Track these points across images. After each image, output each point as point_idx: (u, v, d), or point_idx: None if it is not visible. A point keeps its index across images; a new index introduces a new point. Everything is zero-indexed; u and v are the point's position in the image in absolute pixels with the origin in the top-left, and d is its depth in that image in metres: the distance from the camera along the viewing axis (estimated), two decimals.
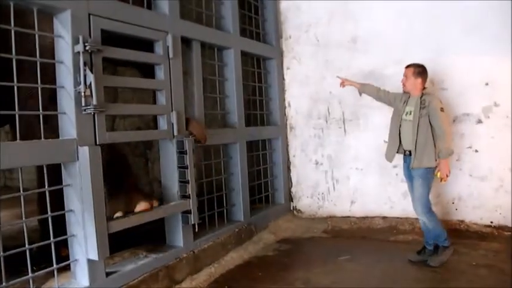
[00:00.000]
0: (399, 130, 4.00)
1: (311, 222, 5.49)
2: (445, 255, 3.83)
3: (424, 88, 3.94)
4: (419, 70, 3.92)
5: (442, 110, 3.81)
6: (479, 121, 4.77)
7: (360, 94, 4.53)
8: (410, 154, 3.89)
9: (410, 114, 3.89)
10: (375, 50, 5.21)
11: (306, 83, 5.78)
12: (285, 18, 5.91)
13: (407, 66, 4.00)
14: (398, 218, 5.12)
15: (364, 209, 5.33)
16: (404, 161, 4.05)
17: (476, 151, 4.80)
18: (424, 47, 4.90)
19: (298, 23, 5.81)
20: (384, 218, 5.11)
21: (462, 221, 4.85)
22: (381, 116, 5.06)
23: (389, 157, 4.12)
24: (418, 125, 3.82)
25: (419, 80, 3.90)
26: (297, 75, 5.88)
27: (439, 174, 3.84)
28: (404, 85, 4.00)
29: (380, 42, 5.19)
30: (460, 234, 4.66)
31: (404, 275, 3.68)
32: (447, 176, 3.84)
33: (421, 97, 3.88)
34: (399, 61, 5.01)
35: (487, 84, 4.69)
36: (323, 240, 4.87)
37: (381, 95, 4.28)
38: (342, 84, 4.64)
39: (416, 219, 4.98)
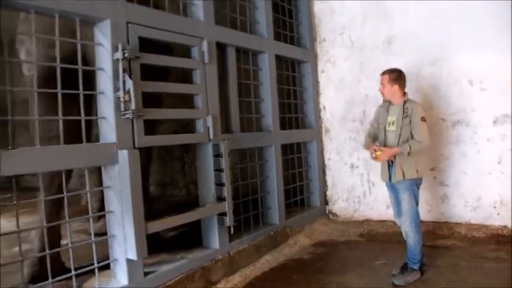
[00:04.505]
0: (385, 144, 3.72)
1: (347, 226, 5.45)
2: (411, 277, 3.57)
3: (404, 94, 3.68)
4: (395, 76, 3.66)
5: (423, 119, 3.57)
6: None
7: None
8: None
9: (393, 124, 3.65)
10: (410, 50, 5.11)
11: (341, 85, 5.76)
12: (319, 21, 5.90)
13: (383, 74, 3.73)
14: (436, 222, 5.01)
15: None
16: (388, 171, 3.77)
17: None
18: (461, 46, 4.79)
19: (333, 26, 5.79)
20: (421, 222, 4.97)
21: (505, 227, 4.67)
22: None
23: (384, 177, 3.79)
24: (400, 135, 3.60)
25: (396, 87, 3.64)
26: (331, 78, 5.85)
27: (379, 152, 3.59)
28: (382, 94, 3.75)
29: (415, 42, 5.08)
30: (502, 240, 4.48)
31: (438, 280, 3.59)
32: (377, 159, 3.62)
33: (403, 105, 3.63)
34: (435, 61, 4.97)
35: None
36: (359, 243, 4.81)
37: (375, 129, 3.89)
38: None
39: (456, 223, 4.91)
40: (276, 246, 4.61)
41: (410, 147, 3.50)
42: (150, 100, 3.39)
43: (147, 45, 3.39)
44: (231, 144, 4.01)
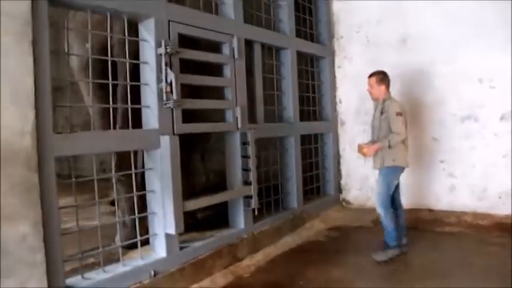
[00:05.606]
0: (373, 137, 4.29)
1: (360, 213, 5.76)
2: (390, 254, 4.01)
3: (387, 93, 4.17)
4: (381, 77, 4.15)
5: (398, 114, 4.02)
6: None
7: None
8: None
9: (377, 119, 4.18)
10: (424, 49, 5.40)
11: (355, 81, 6.02)
12: (337, 19, 6.22)
13: (370, 76, 4.22)
14: (444, 211, 5.31)
15: (411, 202, 5.35)
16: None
17: None
18: (473, 46, 5.08)
19: (350, 24, 6.10)
20: (430, 210, 5.31)
21: (509, 216, 4.93)
22: (427, 113, 5.30)
23: (375, 165, 4.23)
24: (379, 129, 4.12)
25: (382, 87, 4.14)
26: (347, 74, 6.17)
27: (365, 149, 4.12)
28: (371, 93, 4.24)
29: (429, 42, 5.37)
30: (506, 228, 4.74)
31: (447, 261, 3.90)
32: (365, 155, 4.16)
33: (383, 102, 4.12)
34: (448, 61, 5.24)
35: None
36: (371, 229, 5.12)
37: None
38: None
39: (463, 212, 5.21)
40: (294, 229, 4.96)
41: (389, 141, 4.00)
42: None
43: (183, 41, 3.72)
44: (256, 133, 4.34)
